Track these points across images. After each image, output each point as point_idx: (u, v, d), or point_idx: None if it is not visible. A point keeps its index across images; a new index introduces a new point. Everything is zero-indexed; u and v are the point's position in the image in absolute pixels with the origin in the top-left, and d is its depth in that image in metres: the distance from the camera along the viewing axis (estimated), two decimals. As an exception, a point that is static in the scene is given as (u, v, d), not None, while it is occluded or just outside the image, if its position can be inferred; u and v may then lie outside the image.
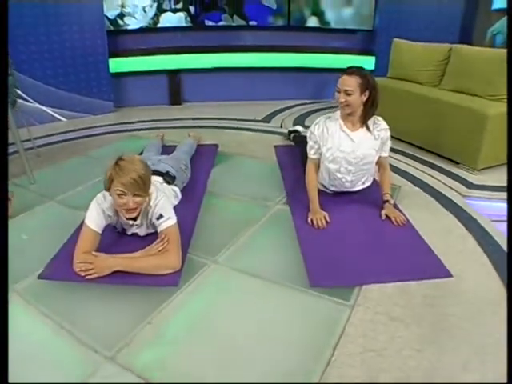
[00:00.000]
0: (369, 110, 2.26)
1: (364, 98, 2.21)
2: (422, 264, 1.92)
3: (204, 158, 3.11)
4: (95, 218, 1.84)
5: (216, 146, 3.40)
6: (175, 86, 4.87)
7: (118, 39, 4.55)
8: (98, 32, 4.28)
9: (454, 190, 2.66)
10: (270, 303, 1.69)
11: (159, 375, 1.34)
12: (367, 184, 2.53)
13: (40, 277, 1.80)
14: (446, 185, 2.73)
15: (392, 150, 3.28)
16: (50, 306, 1.65)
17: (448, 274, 1.83)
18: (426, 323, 1.57)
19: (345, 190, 2.49)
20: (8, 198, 2.29)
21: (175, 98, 4.91)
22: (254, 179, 2.85)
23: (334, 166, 2.36)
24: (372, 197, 2.47)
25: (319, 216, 2.23)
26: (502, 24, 4.16)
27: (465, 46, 3.26)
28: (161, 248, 1.81)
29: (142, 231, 2.03)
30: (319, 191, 2.40)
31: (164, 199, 1.91)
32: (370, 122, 2.30)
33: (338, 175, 2.40)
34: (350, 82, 2.17)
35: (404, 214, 2.29)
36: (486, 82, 2.96)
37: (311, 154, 2.39)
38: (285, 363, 1.40)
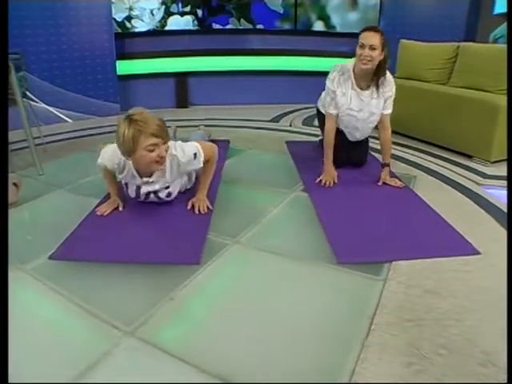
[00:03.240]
0: (381, 70, 2.37)
1: (381, 57, 2.31)
2: (449, 242, 1.91)
3: (216, 151, 3.09)
4: (108, 158, 1.97)
5: (227, 141, 3.39)
6: (182, 89, 4.88)
7: (126, 42, 4.58)
8: (106, 34, 4.31)
9: (469, 179, 2.66)
10: (296, 279, 1.66)
11: (181, 350, 1.28)
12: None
13: (51, 257, 1.73)
14: (461, 175, 2.74)
15: (404, 146, 3.36)
16: (62, 284, 1.58)
17: (476, 252, 1.82)
18: (461, 294, 1.55)
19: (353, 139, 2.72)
20: (15, 184, 2.26)
21: (182, 101, 4.92)
22: (268, 170, 2.85)
23: (344, 123, 2.57)
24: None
25: (330, 177, 2.46)
26: (503, 28, 4.25)
27: (472, 44, 3.32)
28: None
29: (155, 187, 2.02)
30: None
31: (188, 144, 2.02)
32: (380, 80, 2.42)
33: (346, 130, 2.63)
34: (375, 38, 2.27)
35: (420, 198, 2.33)
36: (495, 77, 2.99)
37: (331, 109, 2.50)
38: (321, 335, 1.36)
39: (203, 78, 4.88)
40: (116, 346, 1.29)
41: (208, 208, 2.09)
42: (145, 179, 1.97)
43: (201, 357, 1.25)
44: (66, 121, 4.30)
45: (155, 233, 1.92)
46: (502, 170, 2.80)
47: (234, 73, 4.88)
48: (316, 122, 4.01)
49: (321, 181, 2.47)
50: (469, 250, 1.83)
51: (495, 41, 4.32)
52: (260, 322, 1.42)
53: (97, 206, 2.17)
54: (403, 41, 3.75)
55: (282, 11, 4.73)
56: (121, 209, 2.10)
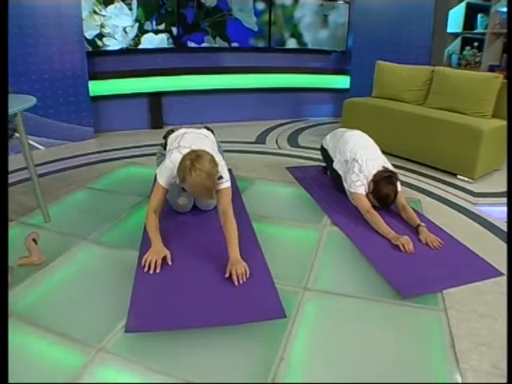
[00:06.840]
0: None
1: None
2: (477, 267, 2.17)
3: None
4: (167, 178, 2.19)
5: (229, 170, 3.39)
6: (156, 110, 4.76)
7: (97, 61, 4.37)
8: (77, 53, 4.08)
9: (464, 199, 2.98)
10: (376, 322, 1.77)
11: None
12: None
13: (127, 330, 1.62)
14: (454, 195, 3.05)
15: (393, 165, 3.63)
16: (162, 362, 1.50)
17: (500, 273, 2.10)
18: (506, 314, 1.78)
19: None
20: (35, 240, 2.12)
21: (156, 122, 4.78)
22: (287, 203, 2.90)
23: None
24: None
25: (403, 240, 2.28)
26: (455, 45, 4.77)
27: (446, 69, 3.69)
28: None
29: None
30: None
31: (224, 164, 2.29)
32: None
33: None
34: None
35: (436, 224, 2.56)
36: (470, 100, 3.37)
37: (359, 189, 2.57)
38: (420, 368, 1.52)
39: (178, 97, 4.79)
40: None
41: (246, 272, 1.92)
42: None
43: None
44: (37, 148, 4.02)
45: (221, 289, 1.88)
46: (486, 187, 3.19)
47: (209, 91, 4.87)
48: (301, 143, 4.27)
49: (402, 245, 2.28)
50: (495, 272, 2.11)
51: (449, 56, 4.82)
52: (359, 369, 1.52)
53: (139, 259, 2.04)
54: (380, 62, 4.04)
55: (256, 29, 4.81)
56: (170, 263, 2.01)
